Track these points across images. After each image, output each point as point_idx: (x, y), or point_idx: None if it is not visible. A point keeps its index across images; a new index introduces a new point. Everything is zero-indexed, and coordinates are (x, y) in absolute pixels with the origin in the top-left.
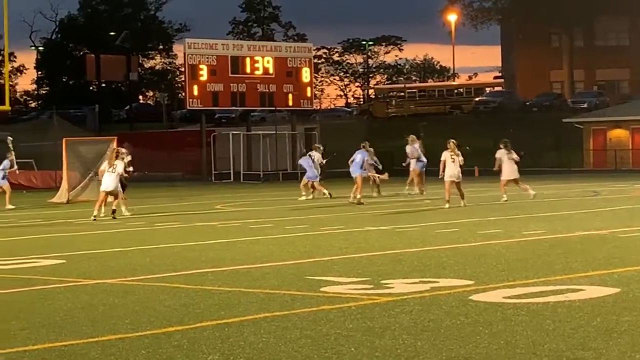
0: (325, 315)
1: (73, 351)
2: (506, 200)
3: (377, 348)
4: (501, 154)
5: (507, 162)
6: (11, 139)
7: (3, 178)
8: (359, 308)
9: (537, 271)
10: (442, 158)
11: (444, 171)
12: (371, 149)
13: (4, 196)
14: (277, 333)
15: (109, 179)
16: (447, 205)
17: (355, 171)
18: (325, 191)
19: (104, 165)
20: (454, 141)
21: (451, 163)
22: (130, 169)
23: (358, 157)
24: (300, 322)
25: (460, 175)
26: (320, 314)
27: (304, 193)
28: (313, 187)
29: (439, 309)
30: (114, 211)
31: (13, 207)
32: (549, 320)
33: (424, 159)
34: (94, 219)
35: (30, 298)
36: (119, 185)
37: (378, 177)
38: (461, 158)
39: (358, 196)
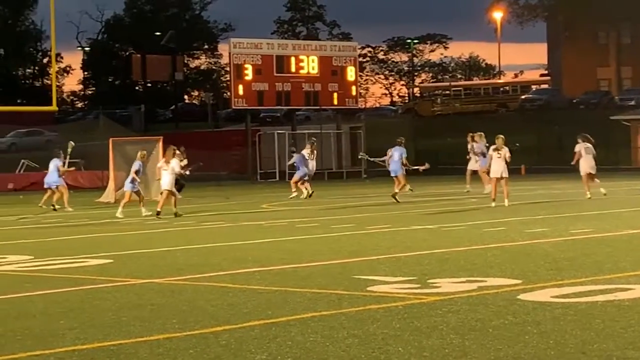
0: (372, 315)
1: (122, 351)
2: (589, 198)
3: (425, 348)
4: (580, 147)
5: (585, 157)
6: (72, 144)
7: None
8: (406, 307)
9: (585, 270)
10: (489, 153)
11: (490, 165)
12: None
13: (51, 197)
14: (324, 332)
15: (167, 178)
16: (493, 204)
17: (396, 169)
18: (305, 192)
19: (160, 163)
20: (502, 137)
21: (497, 159)
22: (187, 171)
23: (396, 154)
24: (347, 321)
25: (507, 171)
26: (367, 314)
27: (294, 190)
28: (296, 184)
29: (487, 308)
30: (158, 213)
31: (71, 209)
32: (598, 319)
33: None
34: (147, 217)
35: (79, 298)
36: (173, 184)
37: (420, 168)
38: (509, 154)
39: (396, 190)
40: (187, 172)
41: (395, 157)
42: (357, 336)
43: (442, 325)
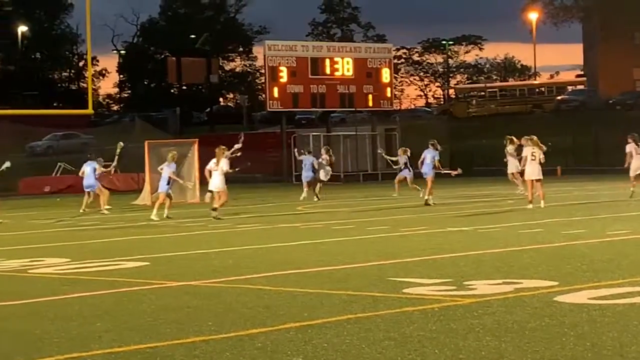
0: (408, 317)
1: (158, 353)
2: (630, 197)
3: (461, 350)
4: (630, 147)
5: (636, 157)
6: (122, 144)
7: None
8: (442, 309)
9: (622, 272)
10: (523, 154)
11: (524, 167)
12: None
13: (96, 199)
14: (360, 335)
15: (217, 178)
16: (530, 206)
17: (427, 171)
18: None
19: (211, 164)
20: (535, 138)
21: (532, 161)
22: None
23: (428, 156)
24: (383, 323)
25: (541, 174)
26: (403, 316)
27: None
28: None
29: (523, 310)
30: (214, 208)
31: (107, 212)
32: (636, 321)
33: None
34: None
35: (115, 300)
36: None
37: (452, 172)
38: (542, 156)
39: (426, 197)
40: (236, 169)
41: (428, 159)
42: (393, 338)
43: (478, 327)
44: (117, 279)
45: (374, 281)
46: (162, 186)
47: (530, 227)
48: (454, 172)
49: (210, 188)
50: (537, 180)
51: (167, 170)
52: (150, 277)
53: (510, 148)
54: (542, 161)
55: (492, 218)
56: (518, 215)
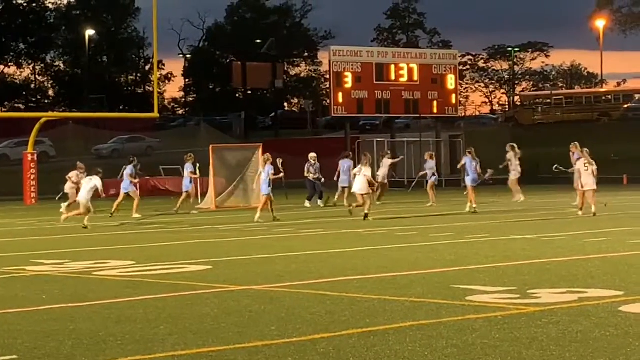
0: (471, 325)
1: (220, 357)
2: None
3: (525, 359)
4: None
5: (584, 173)
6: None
7: (128, 185)
8: (506, 318)
9: None
10: (577, 167)
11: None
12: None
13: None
14: (422, 342)
15: (360, 182)
16: (579, 213)
17: (468, 180)
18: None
19: (356, 170)
20: (587, 150)
21: (584, 171)
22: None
23: (467, 164)
24: (446, 331)
25: (594, 184)
26: (466, 324)
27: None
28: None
29: (588, 319)
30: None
31: (139, 216)
32: None
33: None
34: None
35: (178, 303)
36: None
37: (485, 176)
38: (595, 167)
39: (474, 205)
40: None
41: (468, 167)
42: (456, 346)
43: (542, 336)
44: (180, 283)
45: (437, 288)
46: (264, 189)
47: (595, 236)
48: (487, 176)
49: (353, 190)
50: (589, 191)
51: (267, 171)
52: (213, 280)
53: (510, 155)
54: (595, 173)
55: (556, 226)
56: (583, 224)
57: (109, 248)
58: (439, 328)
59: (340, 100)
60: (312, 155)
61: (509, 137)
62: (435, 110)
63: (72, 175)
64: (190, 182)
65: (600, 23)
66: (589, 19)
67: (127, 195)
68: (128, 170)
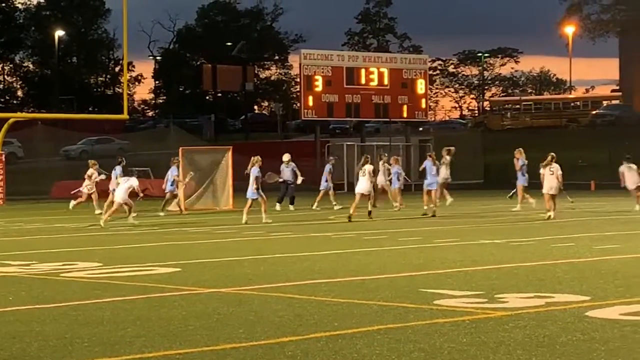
0: (438, 329)
1: (188, 359)
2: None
3: None
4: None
5: (548, 177)
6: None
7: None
8: (473, 322)
9: None
10: (541, 172)
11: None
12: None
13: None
14: (390, 346)
15: (363, 182)
16: (547, 214)
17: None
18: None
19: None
20: (553, 154)
21: (550, 176)
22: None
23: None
24: (413, 335)
25: (559, 188)
26: (433, 327)
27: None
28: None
29: (554, 324)
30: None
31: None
32: None
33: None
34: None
35: (146, 305)
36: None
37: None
38: (560, 172)
39: (433, 208)
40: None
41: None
42: (423, 350)
43: (509, 340)
44: (148, 285)
45: (405, 292)
46: (250, 193)
47: (563, 241)
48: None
49: (357, 190)
50: (553, 195)
51: (253, 174)
52: (181, 283)
53: (446, 159)
54: (560, 178)
55: (525, 231)
56: (551, 229)
57: (77, 249)
58: (406, 332)
59: (311, 103)
60: (285, 156)
61: (478, 142)
62: (405, 115)
63: (92, 173)
64: (172, 184)
65: (569, 30)
66: (558, 25)
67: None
68: (117, 171)
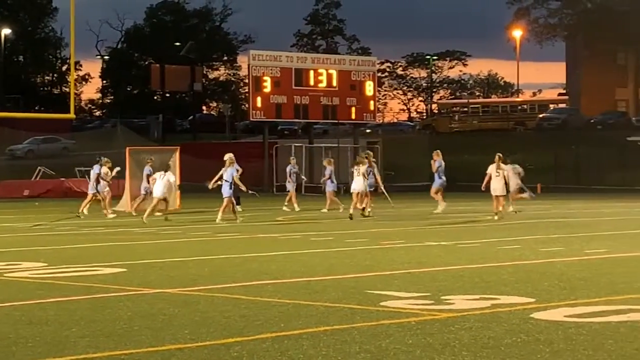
0: (384, 330)
1: None
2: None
3: None
4: (492, 168)
5: (495, 179)
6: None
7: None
8: (419, 323)
9: (599, 290)
10: (488, 172)
11: (487, 183)
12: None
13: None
14: (336, 347)
15: (358, 181)
16: (495, 217)
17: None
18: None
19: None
20: (500, 155)
21: (496, 177)
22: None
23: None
24: (359, 336)
25: (504, 189)
26: (379, 329)
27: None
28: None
29: (500, 326)
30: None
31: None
32: (611, 340)
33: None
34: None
35: (91, 306)
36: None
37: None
38: (506, 173)
39: (367, 209)
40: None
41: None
42: (369, 351)
43: (454, 342)
44: (93, 285)
45: (352, 293)
46: (226, 191)
47: (509, 244)
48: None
49: (352, 189)
50: (500, 196)
51: (227, 174)
52: (127, 283)
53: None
54: (507, 179)
55: (471, 233)
56: (497, 232)
57: (22, 249)
58: (352, 333)
59: (259, 104)
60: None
61: (426, 144)
62: (353, 117)
63: (107, 172)
64: (147, 183)
65: (517, 33)
66: (506, 29)
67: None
68: (96, 169)
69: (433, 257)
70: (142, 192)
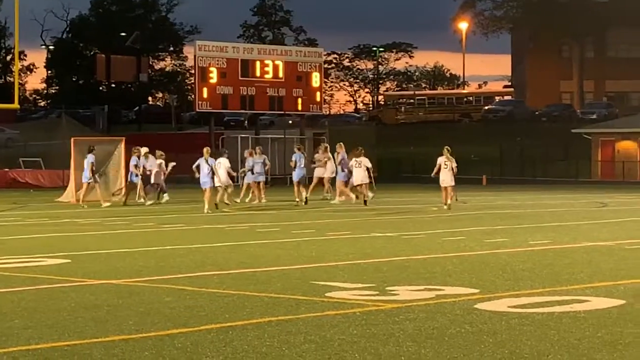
0: (329, 321)
1: (76, 351)
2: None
3: (381, 355)
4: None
5: (443, 170)
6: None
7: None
8: (364, 314)
9: (542, 281)
10: (438, 162)
11: (436, 173)
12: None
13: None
14: (281, 337)
15: (359, 173)
16: (444, 207)
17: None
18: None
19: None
20: (448, 148)
21: (444, 169)
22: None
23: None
24: (304, 327)
25: (453, 180)
26: (324, 319)
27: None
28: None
29: (444, 316)
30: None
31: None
32: (554, 330)
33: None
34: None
35: (35, 297)
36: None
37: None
38: (454, 165)
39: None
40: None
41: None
42: (313, 341)
43: (398, 332)
44: (37, 276)
45: (297, 284)
46: (207, 182)
47: (453, 235)
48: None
49: (355, 182)
50: (448, 187)
51: (206, 165)
52: (71, 274)
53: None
54: (455, 170)
55: (417, 225)
56: (442, 223)
57: None
58: (297, 324)
59: (205, 95)
60: (143, 149)
61: (372, 136)
62: (299, 108)
63: (161, 162)
64: (136, 175)
65: (463, 25)
66: (452, 21)
67: (88, 184)
68: (90, 159)
69: (378, 248)
70: (87, 181)
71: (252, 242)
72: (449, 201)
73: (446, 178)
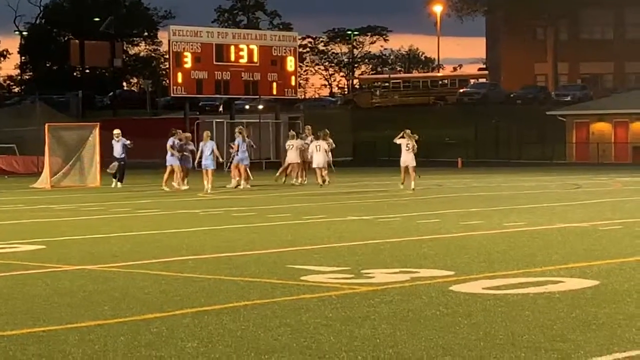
0: (305, 304)
1: (51, 337)
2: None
3: (356, 337)
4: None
5: (405, 152)
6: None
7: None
8: (339, 297)
9: (517, 263)
10: (397, 142)
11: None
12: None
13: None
14: (256, 321)
15: (319, 156)
16: (401, 186)
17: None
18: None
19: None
20: (409, 131)
21: (405, 151)
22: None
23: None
24: (280, 310)
25: (414, 161)
26: (300, 303)
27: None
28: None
29: (419, 299)
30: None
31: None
32: (528, 311)
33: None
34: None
35: (10, 283)
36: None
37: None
38: (415, 146)
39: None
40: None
41: (207, 152)
42: (289, 325)
43: (374, 315)
44: (12, 262)
45: (272, 268)
46: (210, 163)
47: (428, 218)
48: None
49: (315, 165)
50: (409, 167)
51: (207, 148)
52: (46, 260)
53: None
54: (415, 151)
55: (392, 208)
56: (417, 206)
57: None
58: (273, 307)
59: (180, 80)
60: (115, 131)
61: (348, 119)
62: (274, 92)
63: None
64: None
65: (437, 8)
66: (427, 4)
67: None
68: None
69: (354, 232)
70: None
71: (227, 226)
72: (412, 183)
73: (407, 159)
